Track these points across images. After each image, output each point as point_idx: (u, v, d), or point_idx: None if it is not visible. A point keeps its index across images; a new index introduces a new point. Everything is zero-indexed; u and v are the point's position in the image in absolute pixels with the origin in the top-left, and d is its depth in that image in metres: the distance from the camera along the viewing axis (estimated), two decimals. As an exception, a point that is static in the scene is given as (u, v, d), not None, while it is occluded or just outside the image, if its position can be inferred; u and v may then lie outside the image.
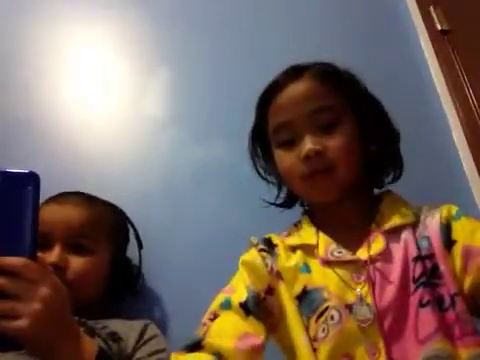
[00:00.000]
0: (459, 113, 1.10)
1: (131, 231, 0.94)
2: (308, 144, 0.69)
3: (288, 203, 0.84)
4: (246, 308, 0.65)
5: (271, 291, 0.69)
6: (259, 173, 0.83)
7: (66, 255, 0.79)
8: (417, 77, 1.18)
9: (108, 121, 1.19)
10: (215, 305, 0.68)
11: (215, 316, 0.66)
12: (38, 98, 1.22)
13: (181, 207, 1.06)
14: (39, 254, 0.75)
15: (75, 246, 0.80)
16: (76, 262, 0.79)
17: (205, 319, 0.67)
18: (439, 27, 1.20)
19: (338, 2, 1.28)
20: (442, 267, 0.64)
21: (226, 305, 0.67)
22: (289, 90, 0.73)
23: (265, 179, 0.84)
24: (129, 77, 1.25)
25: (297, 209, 0.85)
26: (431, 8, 1.23)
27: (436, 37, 1.20)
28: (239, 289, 0.68)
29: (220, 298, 0.69)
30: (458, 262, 0.64)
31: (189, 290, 0.95)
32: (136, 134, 1.17)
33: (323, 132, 0.70)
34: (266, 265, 0.71)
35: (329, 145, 0.69)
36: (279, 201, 0.84)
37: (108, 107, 1.21)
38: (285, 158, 0.73)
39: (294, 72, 0.75)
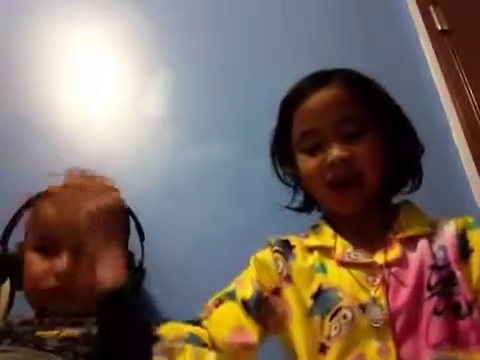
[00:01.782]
0: (459, 113, 1.10)
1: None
2: (335, 151, 0.68)
3: (307, 207, 0.83)
4: (247, 307, 0.67)
5: (277, 292, 0.70)
6: (279, 176, 0.82)
7: (74, 261, 0.76)
8: (417, 77, 1.18)
9: (108, 121, 1.19)
10: (223, 292, 0.71)
11: (220, 302, 0.69)
12: (38, 98, 1.22)
13: (181, 207, 1.06)
14: (45, 261, 0.75)
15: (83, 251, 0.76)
16: (85, 269, 0.75)
17: (210, 304, 0.70)
18: (439, 27, 1.20)
19: (338, 2, 1.28)
20: (458, 274, 0.64)
21: (231, 295, 0.69)
22: (318, 96, 0.72)
23: (285, 182, 0.83)
24: (129, 77, 1.25)
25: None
26: (431, 8, 1.23)
27: (436, 37, 1.20)
28: (246, 285, 0.70)
29: (229, 287, 0.71)
30: (476, 271, 0.64)
31: (190, 290, 0.95)
32: (136, 134, 1.16)
33: (350, 140, 0.70)
34: (277, 266, 0.71)
35: (357, 152, 0.69)
36: (296, 205, 0.83)
37: (108, 107, 1.21)
38: (309, 163, 0.72)
39: (322, 78, 0.73)
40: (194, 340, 0.65)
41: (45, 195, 0.83)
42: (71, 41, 1.29)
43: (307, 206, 0.83)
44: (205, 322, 0.68)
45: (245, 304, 0.67)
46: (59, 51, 1.28)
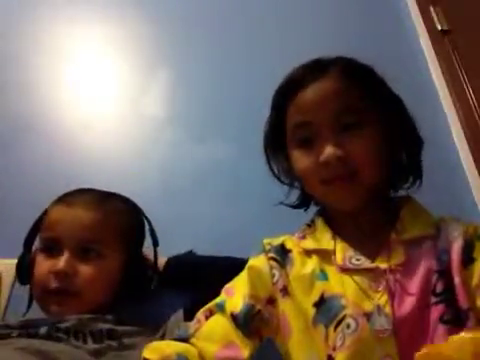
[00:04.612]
0: (459, 113, 1.10)
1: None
2: (329, 148, 0.65)
3: (303, 204, 0.78)
4: (236, 321, 0.65)
5: (272, 302, 0.68)
6: (272, 171, 0.77)
7: (75, 262, 0.74)
8: (417, 77, 1.18)
9: (108, 121, 1.19)
10: (213, 303, 0.68)
11: (211, 313, 0.67)
12: (38, 98, 1.22)
13: (180, 207, 1.06)
14: (48, 260, 0.75)
15: (85, 251, 0.76)
16: (85, 269, 0.74)
17: (200, 314, 0.68)
18: (439, 27, 1.20)
19: (338, 2, 1.28)
20: (457, 281, 0.61)
21: (221, 307, 0.67)
22: (313, 87, 0.67)
23: (278, 178, 0.77)
24: (129, 77, 1.25)
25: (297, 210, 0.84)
26: (431, 8, 1.23)
27: (436, 37, 1.20)
28: (236, 297, 0.68)
29: (220, 297, 0.69)
30: (476, 279, 0.61)
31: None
32: (135, 134, 1.17)
33: (346, 134, 0.66)
34: (273, 275, 0.69)
35: (352, 149, 0.65)
36: (291, 202, 0.78)
37: (108, 107, 1.21)
38: (302, 160, 0.68)
39: (319, 68, 0.69)
40: None
41: (58, 199, 0.82)
42: (71, 41, 1.30)
43: (304, 202, 0.78)
44: (193, 340, 0.65)
45: (234, 318, 0.65)
46: (59, 51, 1.28)
